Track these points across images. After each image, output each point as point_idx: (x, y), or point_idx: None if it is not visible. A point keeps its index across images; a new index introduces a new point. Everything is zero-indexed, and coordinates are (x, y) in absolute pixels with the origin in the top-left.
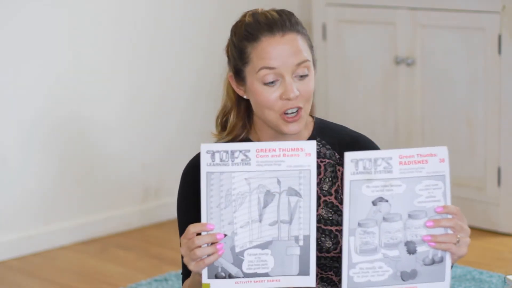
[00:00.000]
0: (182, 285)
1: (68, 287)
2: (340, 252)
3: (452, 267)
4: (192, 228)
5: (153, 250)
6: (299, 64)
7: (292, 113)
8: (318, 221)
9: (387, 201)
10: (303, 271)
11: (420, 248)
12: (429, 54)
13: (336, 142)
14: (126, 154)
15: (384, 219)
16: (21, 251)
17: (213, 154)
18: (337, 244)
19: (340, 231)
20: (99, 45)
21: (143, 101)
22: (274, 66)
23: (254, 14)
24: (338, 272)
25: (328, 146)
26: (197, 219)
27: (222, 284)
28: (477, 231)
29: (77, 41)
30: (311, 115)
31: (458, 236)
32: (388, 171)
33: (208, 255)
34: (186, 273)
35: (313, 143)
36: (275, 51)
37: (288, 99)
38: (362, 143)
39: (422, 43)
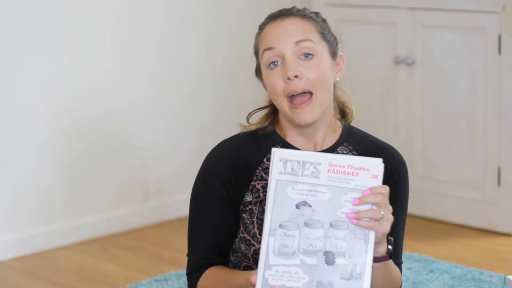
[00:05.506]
0: (192, 285)
1: (68, 287)
2: None
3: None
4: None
5: (153, 250)
6: (298, 42)
7: (299, 97)
8: None
9: (310, 206)
10: None
11: (339, 261)
12: (429, 54)
13: (362, 149)
14: (126, 154)
15: (306, 224)
16: (21, 251)
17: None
18: None
19: None
20: (99, 46)
21: (143, 101)
22: (273, 45)
23: (272, 12)
24: None
25: (354, 152)
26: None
27: None
28: (476, 231)
29: (77, 42)
30: (340, 119)
31: (382, 212)
32: (315, 176)
33: None
34: (192, 272)
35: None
36: (274, 33)
37: (288, 78)
38: (387, 152)
39: (422, 43)
